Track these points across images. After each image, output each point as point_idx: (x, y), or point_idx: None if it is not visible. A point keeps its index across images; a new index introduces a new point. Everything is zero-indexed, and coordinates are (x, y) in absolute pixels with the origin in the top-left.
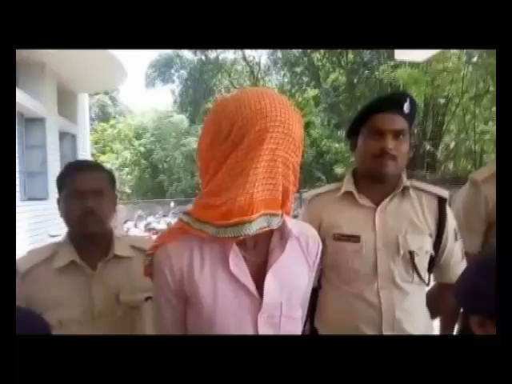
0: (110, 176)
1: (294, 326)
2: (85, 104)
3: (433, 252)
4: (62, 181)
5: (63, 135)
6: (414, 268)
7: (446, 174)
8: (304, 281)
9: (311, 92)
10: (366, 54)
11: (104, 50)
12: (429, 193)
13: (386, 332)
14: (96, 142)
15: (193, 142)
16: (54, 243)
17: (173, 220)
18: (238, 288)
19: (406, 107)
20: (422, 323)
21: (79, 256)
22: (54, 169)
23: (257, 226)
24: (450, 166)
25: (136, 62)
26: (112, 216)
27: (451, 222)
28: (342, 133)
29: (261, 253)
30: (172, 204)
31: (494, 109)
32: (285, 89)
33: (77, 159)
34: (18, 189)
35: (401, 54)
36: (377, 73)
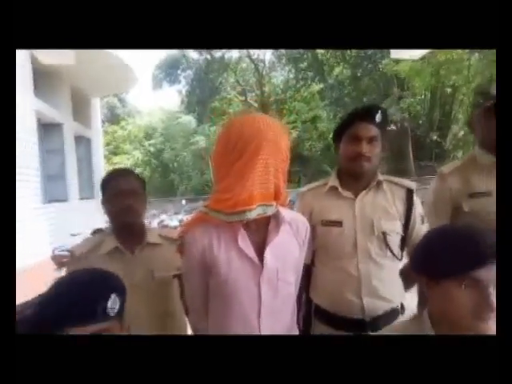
0: (141, 180)
1: (288, 288)
2: (97, 108)
3: (402, 233)
4: (105, 184)
5: (78, 139)
6: (387, 246)
7: None
8: (294, 254)
9: (316, 86)
10: None
11: (115, 55)
12: (399, 185)
13: (365, 297)
14: (107, 144)
15: (201, 141)
16: (101, 234)
17: (185, 217)
18: (244, 259)
19: (378, 117)
20: (395, 290)
21: (121, 243)
22: (72, 172)
23: (256, 213)
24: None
25: (143, 63)
26: (144, 211)
27: (418, 209)
28: None
29: (261, 234)
30: (183, 202)
31: None
32: (290, 84)
33: (116, 167)
34: (39, 192)
35: (396, 52)
36: (380, 66)
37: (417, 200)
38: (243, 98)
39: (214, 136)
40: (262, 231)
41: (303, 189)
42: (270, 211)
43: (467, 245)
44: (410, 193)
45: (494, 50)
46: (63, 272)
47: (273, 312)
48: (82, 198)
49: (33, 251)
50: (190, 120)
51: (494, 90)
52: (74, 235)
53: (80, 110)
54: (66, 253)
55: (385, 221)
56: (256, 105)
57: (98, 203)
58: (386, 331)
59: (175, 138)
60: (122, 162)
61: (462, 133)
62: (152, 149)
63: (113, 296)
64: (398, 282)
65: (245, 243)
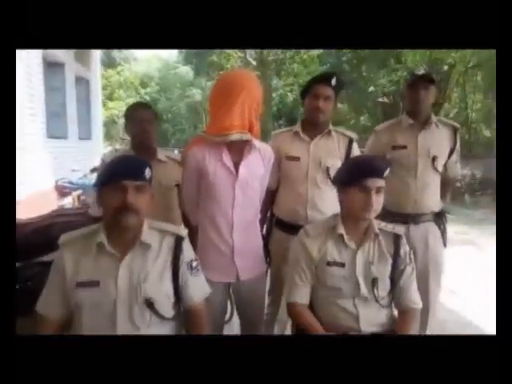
0: (155, 112)
1: (253, 193)
2: (97, 51)
3: None
4: (129, 113)
5: (78, 80)
6: (328, 176)
7: None
8: (260, 171)
9: (316, 50)
10: None
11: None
12: (344, 135)
13: (309, 210)
14: (104, 88)
15: (197, 94)
16: (124, 150)
17: None
18: (226, 169)
19: (333, 82)
20: (330, 207)
21: None
22: (72, 111)
23: (234, 137)
24: None
25: None
26: (155, 135)
27: (355, 151)
28: (344, 93)
29: (239, 154)
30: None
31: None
32: None
33: (137, 101)
34: (44, 127)
35: None
36: None
37: (355, 146)
38: (242, 55)
39: (209, 90)
40: (239, 153)
41: (276, 132)
42: (245, 137)
43: (360, 165)
44: (351, 140)
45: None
46: (65, 200)
47: (241, 206)
48: (80, 138)
49: (38, 180)
50: (187, 71)
51: (418, 71)
52: (74, 171)
53: (81, 51)
54: (67, 184)
55: (329, 159)
56: (254, 63)
57: (94, 144)
58: (315, 223)
59: (171, 88)
60: (117, 107)
61: (454, 111)
62: (147, 97)
63: (147, 168)
64: (334, 201)
65: (227, 159)
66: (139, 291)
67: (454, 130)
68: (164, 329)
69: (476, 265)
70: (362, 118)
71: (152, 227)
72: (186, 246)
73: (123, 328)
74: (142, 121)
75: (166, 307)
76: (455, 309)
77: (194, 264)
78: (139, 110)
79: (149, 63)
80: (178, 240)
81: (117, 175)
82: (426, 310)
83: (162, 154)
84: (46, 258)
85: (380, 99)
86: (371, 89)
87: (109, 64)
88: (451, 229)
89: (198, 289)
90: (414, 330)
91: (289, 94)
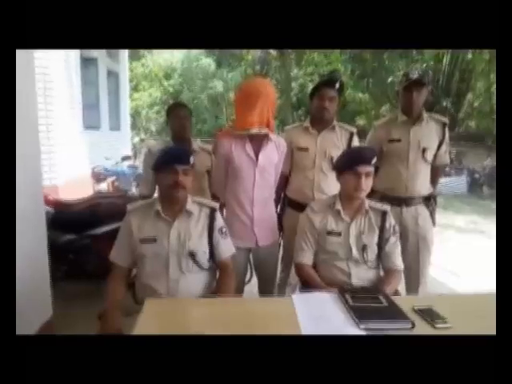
0: (190, 110)
1: (270, 176)
2: None
3: None
4: (169, 111)
5: (109, 73)
6: (332, 163)
7: (463, 132)
8: (275, 159)
9: None
10: None
11: None
12: (346, 129)
13: (315, 192)
14: (130, 80)
15: (219, 86)
16: (163, 142)
17: None
18: (248, 158)
19: (337, 85)
20: (334, 190)
21: None
22: (104, 103)
23: (255, 130)
24: (473, 124)
25: None
26: (190, 129)
27: (355, 143)
28: (365, 82)
29: (258, 145)
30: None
31: None
32: None
33: (175, 101)
34: (81, 119)
35: None
36: None
37: (355, 138)
38: None
39: (231, 82)
40: (258, 144)
41: (288, 127)
42: (263, 131)
43: (353, 154)
44: (352, 134)
45: None
46: (101, 186)
47: (260, 186)
48: (111, 129)
49: (76, 168)
50: (209, 63)
51: (412, 74)
52: (107, 159)
53: None
54: (102, 171)
55: (334, 150)
56: (274, 53)
57: (122, 135)
58: (319, 201)
59: (194, 80)
60: (141, 98)
61: (477, 102)
62: (171, 89)
63: (191, 156)
64: (337, 185)
65: (249, 149)
66: (185, 246)
67: (443, 125)
68: (202, 276)
69: (480, 254)
70: (383, 108)
71: (194, 200)
72: (218, 215)
73: (174, 273)
74: (180, 117)
75: (204, 260)
76: (456, 288)
77: (224, 230)
78: (178, 109)
79: (172, 55)
80: (212, 211)
81: (170, 161)
82: (416, 280)
83: (195, 144)
84: (93, 232)
85: (397, 88)
86: (391, 79)
87: (133, 56)
88: (463, 218)
89: (226, 248)
90: (395, 287)
91: (309, 83)
